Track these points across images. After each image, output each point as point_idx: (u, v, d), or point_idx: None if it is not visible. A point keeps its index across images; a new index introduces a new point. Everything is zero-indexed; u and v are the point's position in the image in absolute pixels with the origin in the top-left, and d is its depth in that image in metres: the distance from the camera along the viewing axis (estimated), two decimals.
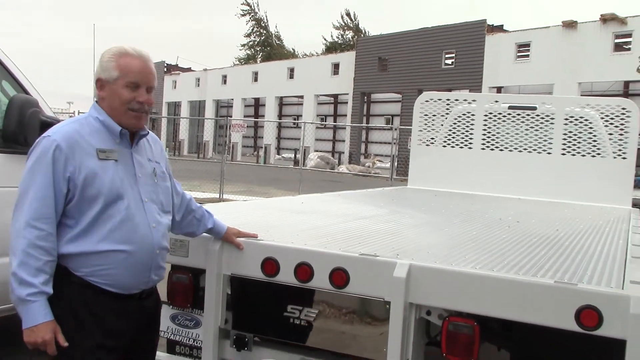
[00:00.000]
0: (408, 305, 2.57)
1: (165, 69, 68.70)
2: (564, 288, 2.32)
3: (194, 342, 3.20)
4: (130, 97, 2.43)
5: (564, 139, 6.63)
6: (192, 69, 69.69)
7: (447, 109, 7.26)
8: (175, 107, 67.73)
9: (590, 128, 6.56)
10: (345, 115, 50.35)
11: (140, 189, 2.49)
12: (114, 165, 2.42)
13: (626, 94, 35.11)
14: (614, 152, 6.47)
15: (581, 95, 30.34)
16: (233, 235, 2.93)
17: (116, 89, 2.44)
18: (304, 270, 2.73)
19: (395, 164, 16.71)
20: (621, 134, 6.46)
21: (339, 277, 2.66)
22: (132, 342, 2.50)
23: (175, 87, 66.94)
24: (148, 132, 2.61)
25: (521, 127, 6.83)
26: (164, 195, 2.64)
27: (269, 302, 2.97)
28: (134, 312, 2.49)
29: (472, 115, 7.04)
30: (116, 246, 2.38)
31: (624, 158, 6.42)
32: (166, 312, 3.28)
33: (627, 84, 35.99)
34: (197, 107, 65.60)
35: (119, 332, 2.44)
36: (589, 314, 2.24)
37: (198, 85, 64.09)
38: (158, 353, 3.21)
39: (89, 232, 2.36)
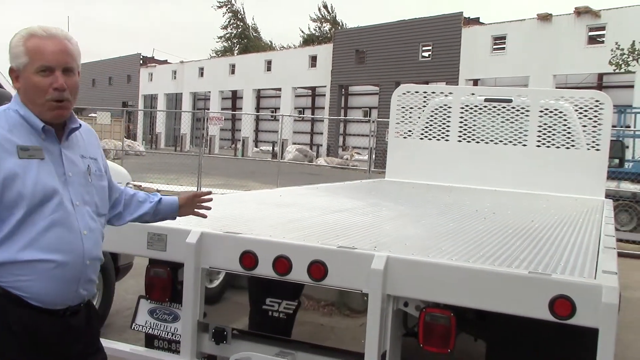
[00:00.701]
0: (386, 297, 2.59)
1: (141, 61, 68.04)
2: (538, 278, 2.35)
3: (172, 336, 3.18)
4: (46, 84, 2.10)
5: (539, 131, 6.72)
6: (168, 61, 69.08)
7: (424, 101, 7.30)
8: (151, 99, 67.04)
9: (565, 120, 6.65)
10: (323, 108, 50.32)
11: (71, 191, 2.17)
12: (37, 165, 2.09)
13: (600, 86, 35.51)
14: (587, 144, 6.57)
15: (556, 88, 30.75)
16: (189, 202, 2.71)
17: (28, 77, 2.11)
18: (282, 263, 2.73)
19: (373, 156, 16.72)
20: (595, 126, 6.56)
21: (317, 269, 2.67)
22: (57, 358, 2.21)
23: (151, 80, 66.27)
24: (80, 125, 2.29)
25: (497, 119, 6.90)
26: (99, 196, 2.32)
27: (248, 295, 2.97)
28: (55, 329, 2.17)
29: (449, 107, 7.09)
30: (41, 255, 2.07)
31: (597, 150, 6.52)
32: (144, 306, 3.27)
33: (600, 76, 36.40)
34: (174, 100, 64.99)
35: (37, 349, 2.13)
36: (562, 304, 2.27)
37: (175, 78, 63.48)
38: (137, 347, 3.22)
39: (9, 241, 2.07)
